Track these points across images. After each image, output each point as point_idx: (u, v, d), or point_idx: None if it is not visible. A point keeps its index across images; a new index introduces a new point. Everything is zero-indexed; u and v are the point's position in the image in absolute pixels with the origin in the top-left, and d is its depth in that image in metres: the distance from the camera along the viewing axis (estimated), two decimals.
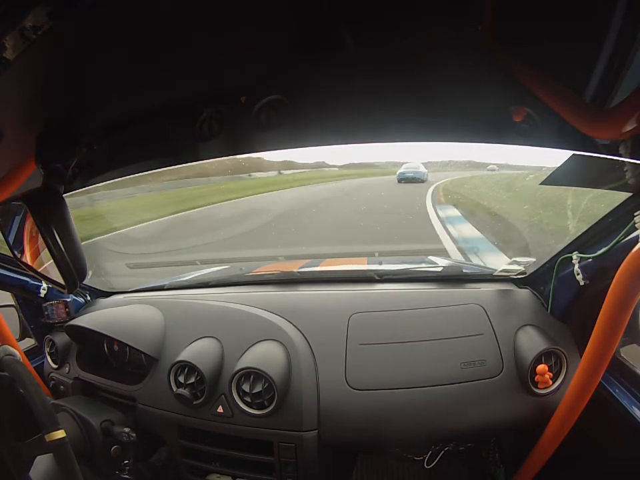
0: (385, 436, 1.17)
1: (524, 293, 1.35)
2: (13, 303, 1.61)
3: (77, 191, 0.82)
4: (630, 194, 0.88)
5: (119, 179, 0.83)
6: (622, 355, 1.11)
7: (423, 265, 1.66)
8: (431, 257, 1.82)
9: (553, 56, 0.53)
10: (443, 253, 2.67)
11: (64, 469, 0.80)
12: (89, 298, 1.75)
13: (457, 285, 1.43)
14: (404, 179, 4.70)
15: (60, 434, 0.80)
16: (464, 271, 1.48)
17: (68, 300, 1.62)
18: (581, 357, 0.98)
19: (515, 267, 1.38)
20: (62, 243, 0.63)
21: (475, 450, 1.42)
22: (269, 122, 0.63)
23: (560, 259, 1.16)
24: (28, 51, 0.42)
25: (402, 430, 1.14)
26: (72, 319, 1.52)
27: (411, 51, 0.57)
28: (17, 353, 0.88)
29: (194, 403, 1.19)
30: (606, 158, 0.57)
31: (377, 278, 1.50)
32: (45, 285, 1.57)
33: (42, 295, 1.57)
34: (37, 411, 0.81)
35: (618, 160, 0.54)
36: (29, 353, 1.61)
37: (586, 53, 0.50)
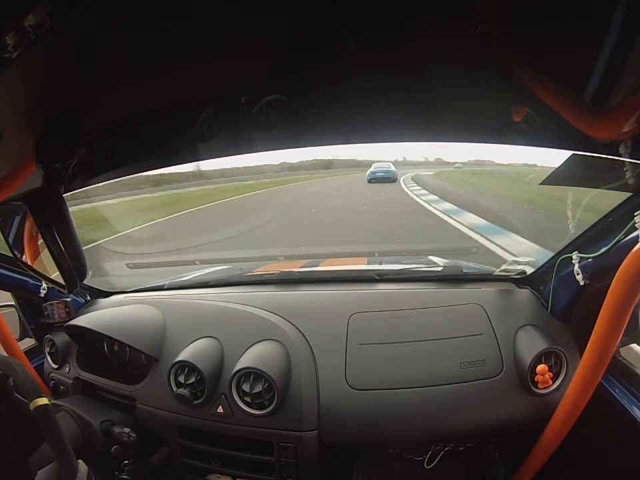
0: (385, 436, 1.17)
1: (524, 293, 1.35)
2: (13, 302, 1.61)
3: (77, 190, 0.82)
4: (630, 194, 0.88)
5: (119, 178, 0.83)
6: (622, 354, 1.11)
7: (423, 265, 1.66)
8: (430, 257, 1.81)
9: (553, 56, 0.53)
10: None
11: (48, 433, 0.82)
12: (89, 298, 1.74)
13: (457, 284, 1.43)
14: (374, 179, 4.65)
15: (43, 400, 0.82)
16: (464, 270, 1.48)
17: (68, 300, 1.62)
18: (581, 356, 0.98)
19: (515, 266, 1.38)
20: (62, 242, 0.63)
21: (474, 450, 1.42)
22: (269, 122, 0.63)
23: (560, 258, 1.16)
24: (28, 50, 0.42)
25: (402, 430, 1.14)
26: (72, 318, 1.52)
27: (412, 51, 0.57)
28: None
29: (194, 402, 1.19)
30: (606, 158, 0.57)
31: (376, 278, 1.50)
32: (44, 285, 1.57)
33: (42, 295, 1.57)
34: (19, 382, 0.83)
35: (618, 160, 0.54)
36: (29, 353, 1.61)
37: (586, 53, 0.50)
